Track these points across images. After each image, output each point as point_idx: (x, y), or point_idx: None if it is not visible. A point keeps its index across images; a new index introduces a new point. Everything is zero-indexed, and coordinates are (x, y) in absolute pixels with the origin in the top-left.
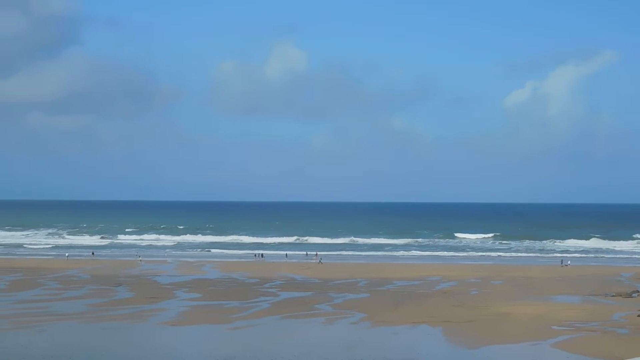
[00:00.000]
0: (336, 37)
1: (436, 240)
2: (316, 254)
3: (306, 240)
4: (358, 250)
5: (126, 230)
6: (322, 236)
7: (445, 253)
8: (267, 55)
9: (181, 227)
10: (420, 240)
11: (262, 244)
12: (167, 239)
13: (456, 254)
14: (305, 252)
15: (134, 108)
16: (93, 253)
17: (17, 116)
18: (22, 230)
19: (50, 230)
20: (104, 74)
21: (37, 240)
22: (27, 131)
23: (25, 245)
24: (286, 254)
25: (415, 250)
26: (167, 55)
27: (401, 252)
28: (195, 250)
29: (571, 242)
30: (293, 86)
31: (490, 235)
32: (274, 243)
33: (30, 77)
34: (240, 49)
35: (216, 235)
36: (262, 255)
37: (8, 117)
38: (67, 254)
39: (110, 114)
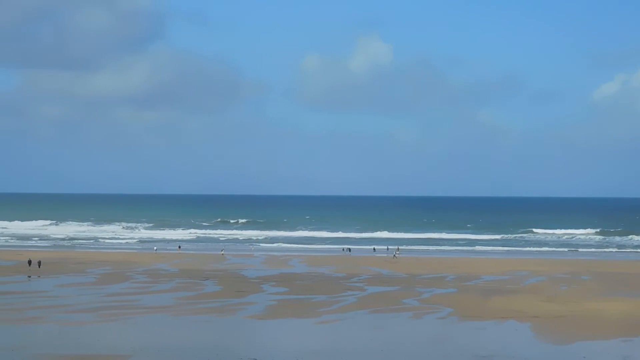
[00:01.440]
0: (421, 30)
1: (523, 235)
2: (397, 249)
3: (391, 234)
4: (444, 245)
5: (211, 223)
6: (408, 231)
7: (533, 248)
8: (352, 48)
9: (263, 220)
10: (507, 235)
11: (348, 238)
12: (251, 233)
13: (544, 248)
14: (386, 247)
15: (219, 102)
16: (180, 247)
17: (104, 111)
18: (107, 224)
19: (134, 224)
20: (189, 69)
21: (123, 233)
22: (113, 125)
23: (109, 239)
24: (374, 248)
25: (503, 245)
26: (251, 49)
27: (489, 247)
28: (280, 243)
29: None
30: (378, 80)
31: (579, 230)
32: (360, 237)
33: (116, 72)
34: (325, 43)
35: (302, 229)
36: (349, 249)
37: (95, 112)
38: (155, 248)
39: (196, 109)
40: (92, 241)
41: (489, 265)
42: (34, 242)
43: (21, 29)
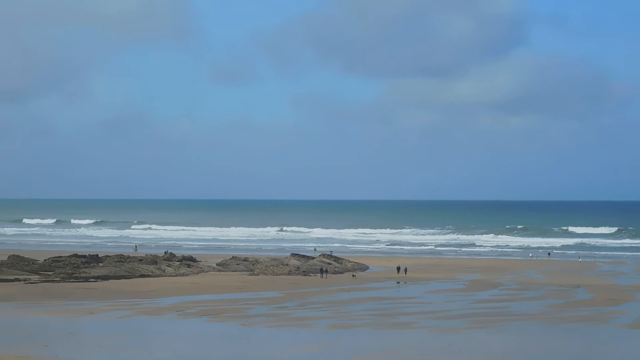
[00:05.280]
0: None
1: None
2: None
3: None
4: None
5: (573, 229)
6: None
7: None
8: None
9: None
10: None
11: None
12: (628, 242)
13: None
14: None
15: (585, 106)
16: (549, 253)
17: (467, 117)
18: (472, 231)
19: (508, 229)
20: (552, 74)
21: (486, 240)
22: (477, 132)
23: (471, 246)
24: None
25: None
26: (617, 50)
27: None
28: None
29: None
30: None
31: None
32: None
33: (479, 78)
34: None
35: None
36: None
37: (458, 118)
38: (530, 254)
39: (560, 114)
40: (458, 249)
41: None
42: (398, 248)
43: (384, 39)
